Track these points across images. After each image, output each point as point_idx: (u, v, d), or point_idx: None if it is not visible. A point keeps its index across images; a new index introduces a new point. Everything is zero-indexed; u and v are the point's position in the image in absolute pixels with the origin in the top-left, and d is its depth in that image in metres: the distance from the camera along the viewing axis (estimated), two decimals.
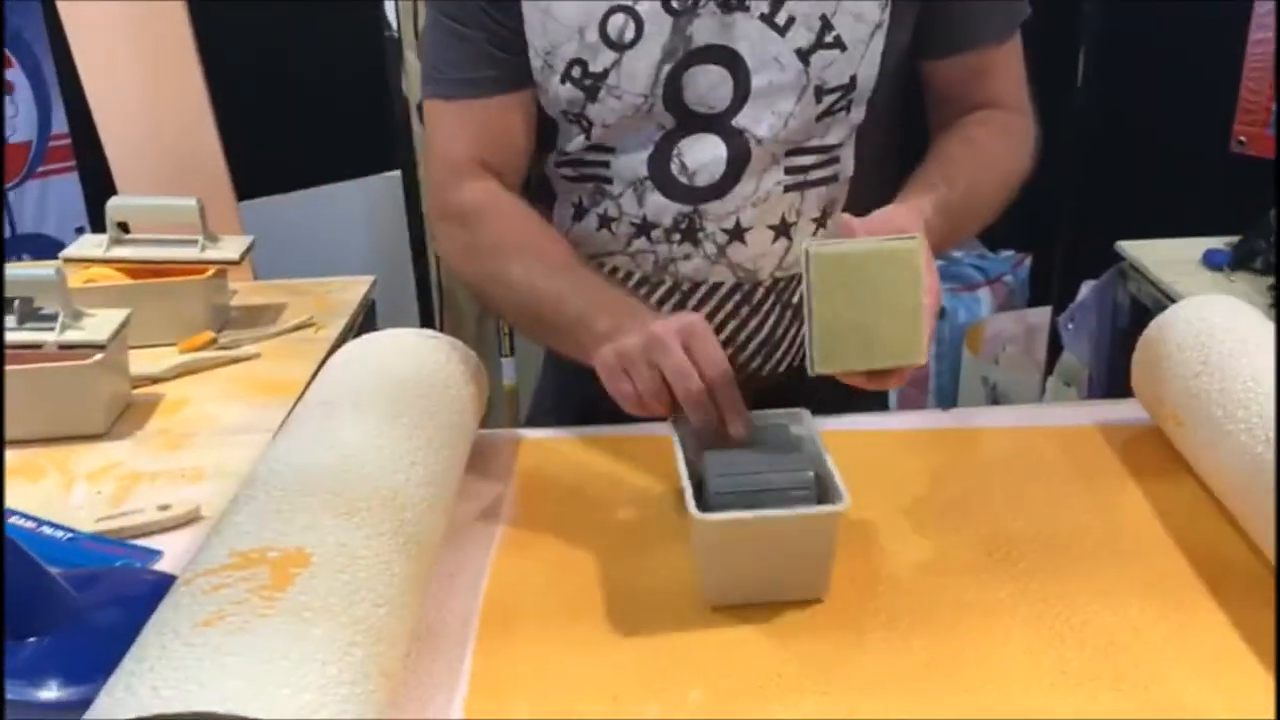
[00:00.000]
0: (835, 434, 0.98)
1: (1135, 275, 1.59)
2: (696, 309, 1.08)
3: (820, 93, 1.00)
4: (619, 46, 0.99)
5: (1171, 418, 0.94)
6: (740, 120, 1.01)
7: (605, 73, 1.00)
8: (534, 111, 1.06)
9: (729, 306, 1.08)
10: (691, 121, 1.02)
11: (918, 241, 0.81)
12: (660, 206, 1.04)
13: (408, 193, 2.30)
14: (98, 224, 2.36)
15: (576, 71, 1.01)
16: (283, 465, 0.81)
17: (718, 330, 1.08)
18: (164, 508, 0.97)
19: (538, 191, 1.14)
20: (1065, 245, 2.28)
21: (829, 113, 1.02)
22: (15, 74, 2.25)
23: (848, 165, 1.06)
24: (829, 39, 0.98)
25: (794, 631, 0.76)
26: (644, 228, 1.06)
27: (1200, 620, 0.76)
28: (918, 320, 0.81)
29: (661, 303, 1.09)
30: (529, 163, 1.10)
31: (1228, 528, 0.86)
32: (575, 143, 1.05)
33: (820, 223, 1.07)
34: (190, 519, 0.96)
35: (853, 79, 1.00)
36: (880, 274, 0.81)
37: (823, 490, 0.81)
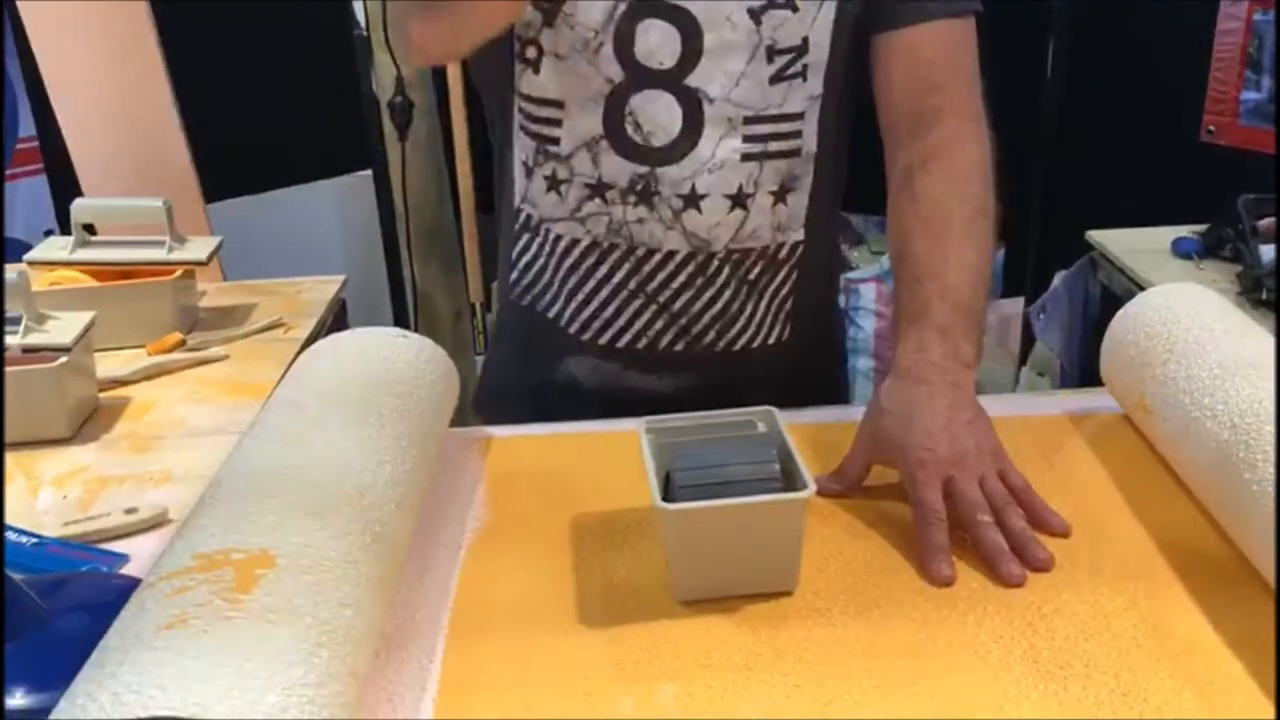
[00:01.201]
0: (802, 427, 0.99)
1: (1105, 265, 1.60)
2: (650, 277, 1.08)
3: (772, 53, 1.01)
4: None
5: (1140, 406, 0.94)
6: (693, 79, 1.01)
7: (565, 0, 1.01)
8: None
9: (683, 277, 1.08)
10: (642, 77, 1.02)
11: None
12: (617, 167, 1.05)
13: (379, 192, 2.29)
14: (66, 226, 2.34)
15: None
16: (248, 466, 0.80)
17: (671, 301, 1.08)
18: (131, 511, 0.96)
19: (500, 143, 1.14)
20: (1037, 236, 2.29)
21: (781, 76, 1.02)
22: None
23: (809, 142, 1.06)
24: (780, 0, 0.99)
25: (765, 623, 0.76)
26: (598, 188, 1.06)
27: (1170, 608, 0.76)
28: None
29: (615, 269, 1.08)
30: None
31: (1197, 515, 0.86)
32: (525, 81, 1.05)
33: (779, 197, 1.07)
34: (158, 522, 0.95)
35: (805, 40, 1.01)
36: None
37: (790, 482, 0.81)
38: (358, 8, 2.07)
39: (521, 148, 1.09)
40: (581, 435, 1.04)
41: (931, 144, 1.01)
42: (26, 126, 2.30)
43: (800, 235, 1.09)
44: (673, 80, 1.01)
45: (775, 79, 1.02)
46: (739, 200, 1.05)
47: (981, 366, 0.96)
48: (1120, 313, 1.00)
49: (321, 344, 1.02)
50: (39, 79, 1.91)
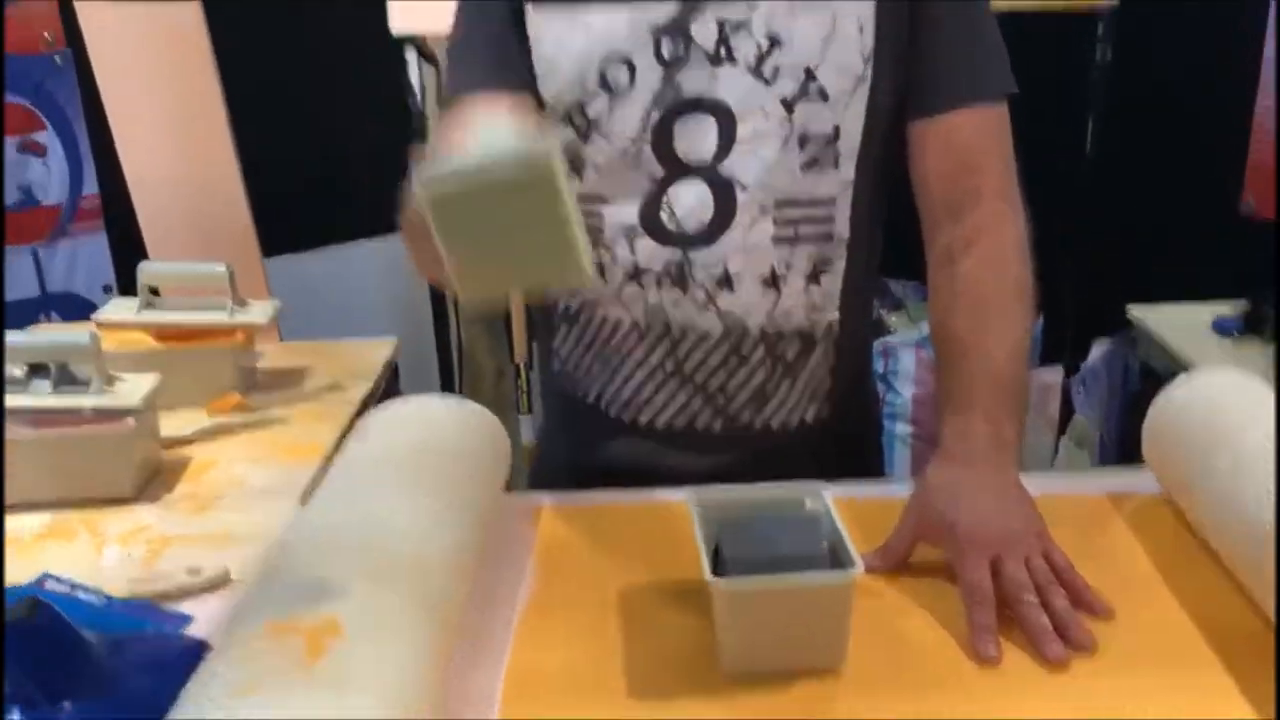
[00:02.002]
0: (848, 502, 1.00)
1: (1145, 340, 1.61)
2: (686, 358, 1.10)
3: (804, 141, 1.04)
4: (613, 92, 1.04)
5: (1182, 489, 0.95)
6: (726, 167, 1.04)
7: (599, 118, 1.05)
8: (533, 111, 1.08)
9: (718, 356, 1.10)
10: (679, 170, 1.05)
11: (547, 148, 0.72)
12: (651, 251, 1.08)
13: None
14: (125, 281, 2.42)
15: (575, 116, 1.06)
16: (313, 532, 0.84)
17: (706, 381, 1.11)
18: (194, 572, 0.99)
19: None
20: (1076, 305, 2.30)
21: (814, 163, 1.05)
22: (49, 137, 2.31)
23: (842, 227, 1.08)
24: (813, 90, 1.02)
25: (813, 698, 0.78)
26: (635, 274, 1.09)
27: (1212, 692, 0.77)
28: (565, 234, 0.74)
29: (651, 350, 1.11)
30: None
31: (1240, 599, 0.87)
32: (571, 188, 1.08)
33: (812, 279, 1.09)
34: (220, 583, 0.98)
35: (836, 129, 1.04)
36: (512, 204, 0.72)
37: (837, 558, 0.83)
38: (413, 81, 2.14)
39: None
40: (629, 506, 1.07)
41: (969, 227, 1.04)
42: (90, 185, 2.38)
43: (835, 315, 1.11)
44: (708, 169, 1.05)
45: (807, 166, 1.05)
46: (772, 282, 1.07)
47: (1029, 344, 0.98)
48: (1162, 395, 1.01)
49: (379, 411, 1.05)
50: (104, 139, 1.99)
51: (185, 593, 0.97)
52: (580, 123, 1.06)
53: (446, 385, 2.50)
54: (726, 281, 1.07)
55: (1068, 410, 2.30)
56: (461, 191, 0.71)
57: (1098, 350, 1.99)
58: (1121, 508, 1.03)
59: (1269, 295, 1.49)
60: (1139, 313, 1.63)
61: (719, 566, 0.82)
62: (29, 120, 2.29)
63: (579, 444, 1.19)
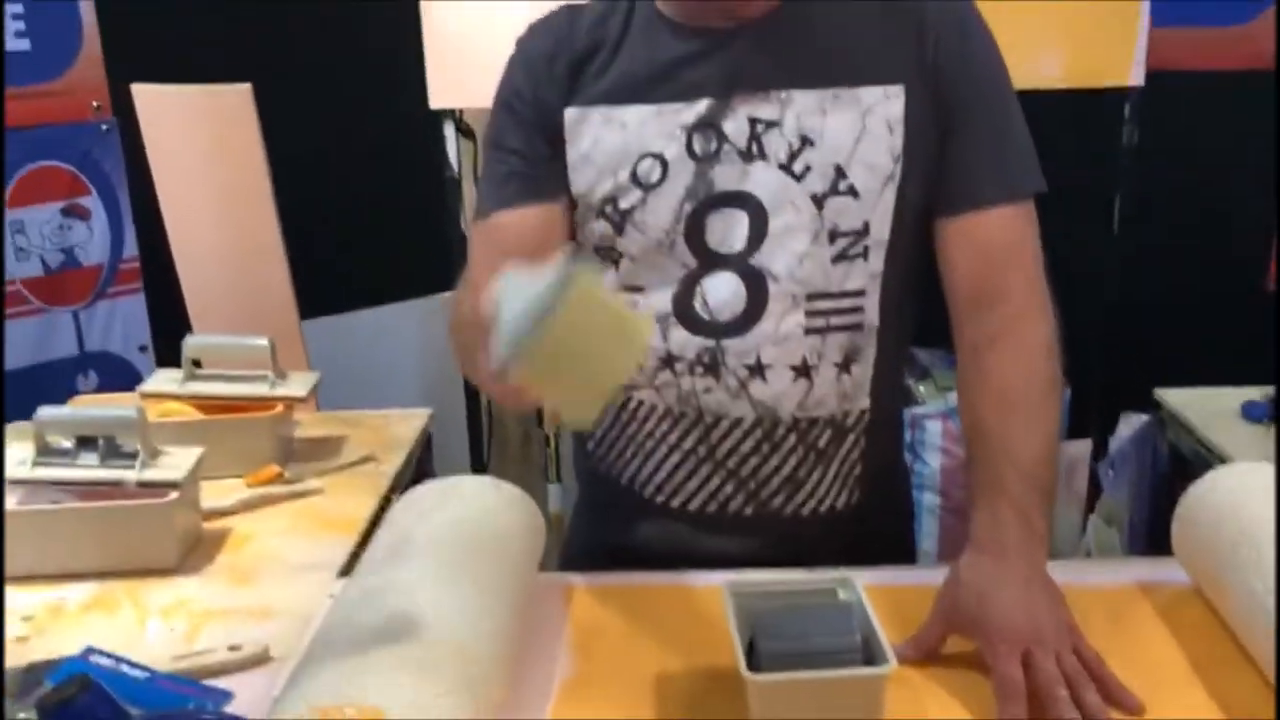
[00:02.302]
0: (880, 589, 1.01)
1: (1174, 424, 1.62)
2: (719, 444, 1.12)
3: (834, 235, 1.06)
4: (646, 186, 1.07)
5: (1212, 584, 0.96)
6: (758, 259, 1.07)
7: (632, 209, 1.08)
8: (563, 225, 1.12)
9: (750, 443, 1.12)
10: (712, 261, 1.08)
11: (567, 269, 0.76)
12: (683, 341, 1.10)
13: None
14: (160, 342, 2.47)
15: (608, 209, 1.09)
16: (356, 616, 0.85)
17: (738, 467, 1.12)
18: (234, 648, 1.01)
19: None
20: (1104, 382, 2.31)
21: (844, 256, 1.07)
22: (93, 201, 2.37)
23: (872, 316, 1.10)
24: (843, 187, 1.05)
25: None
26: (668, 361, 1.11)
27: None
28: (622, 321, 0.80)
29: (685, 435, 1.13)
30: None
31: (1269, 693, 0.87)
32: (608, 277, 1.12)
33: (843, 368, 1.10)
34: (260, 660, 1.00)
35: (865, 225, 1.06)
36: (574, 328, 0.77)
37: (870, 652, 0.85)
38: (450, 150, 2.19)
39: None
40: (661, 588, 1.08)
41: (997, 322, 1.05)
42: (131, 247, 2.44)
43: (866, 404, 1.13)
44: (740, 261, 1.07)
45: (837, 259, 1.07)
46: (803, 371, 1.09)
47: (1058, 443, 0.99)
48: (1191, 489, 1.02)
49: (420, 491, 1.08)
50: (145, 204, 2.04)
51: (226, 669, 0.99)
52: (614, 216, 1.09)
53: (475, 448, 2.53)
54: (759, 370, 1.09)
55: (1095, 486, 2.30)
56: (529, 343, 0.76)
57: (1126, 428, 1.99)
58: (1152, 598, 1.03)
59: None
60: (1167, 396, 1.64)
61: (753, 659, 0.83)
62: (75, 185, 2.35)
63: (611, 524, 1.21)
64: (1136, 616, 1.01)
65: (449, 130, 2.18)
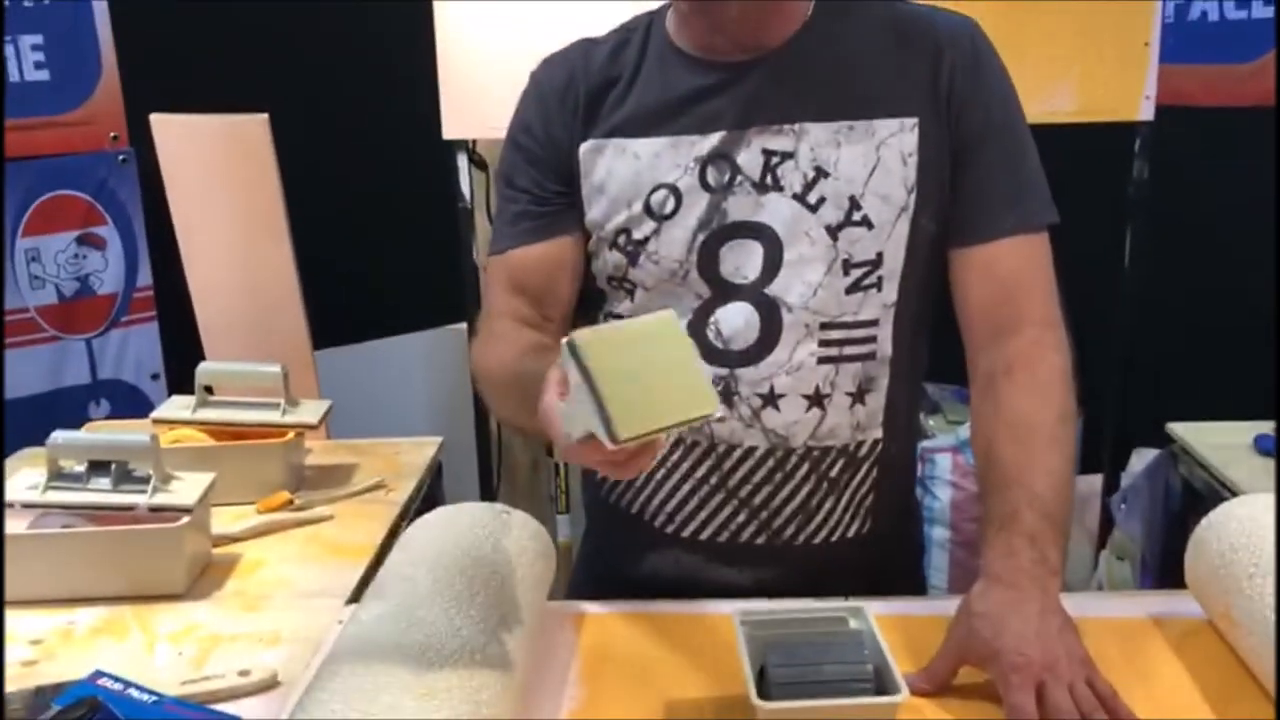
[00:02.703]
0: (891, 619, 1.01)
1: (1186, 458, 1.62)
2: (731, 473, 1.12)
3: (848, 266, 1.06)
4: (659, 217, 1.08)
5: (1225, 617, 0.96)
6: (772, 289, 1.07)
7: (646, 240, 1.09)
8: (575, 259, 1.14)
9: (762, 472, 1.12)
10: (726, 291, 1.08)
11: (670, 313, 0.84)
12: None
13: (471, 346, 2.39)
14: (173, 370, 2.48)
15: (622, 239, 1.10)
16: (366, 642, 0.85)
17: (750, 496, 1.12)
18: (244, 673, 1.01)
19: None
20: (1116, 416, 2.31)
21: (858, 287, 1.07)
22: (108, 231, 2.38)
23: (885, 345, 1.10)
24: (857, 217, 1.06)
25: None
26: None
27: None
28: (697, 376, 0.82)
29: (697, 464, 1.13)
30: (570, 310, 1.16)
31: None
32: (623, 306, 1.13)
33: (857, 398, 1.10)
34: (268, 686, 1.00)
35: (879, 255, 1.07)
36: (647, 346, 0.81)
37: (881, 681, 0.84)
38: (463, 182, 2.20)
39: None
40: (671, 616, 1.08)
41: (1012, 353, 1.06)
42: (145, 276, 2.45)
43: (879, 433, 1.13)
44: (754, 290, 1.08)
45: (851, 289, 1.07)
46: (816, 400, 1.09)
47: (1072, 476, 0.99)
48: (1204, 522, 1.02)
49: (430, 518, 1.08)
50: (160, 234, 2.06)
51: (235, 694, 0.98)
52: (628, 246, 1.09)
53: (485, 478, 2.53)
54: (771, 400, 1.09)
55: (1107, 520, 2.29)
56: (604, 332, 0.82)
57: (1138, 462, 1.98)
58: (1164, 631, 1.03)
59: None
60: (1179, 430, 1.64)
61: (764, 688, 0.83)
62: (91, 215, 2.37)
63: (621, 555, 1.21)
64: (1149, 649, 1.00)
65: (462, 161, 2.20)
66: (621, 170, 1.09)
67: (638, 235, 1.09)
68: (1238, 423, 1.63)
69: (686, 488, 1.14)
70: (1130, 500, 1.87)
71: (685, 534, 1.15)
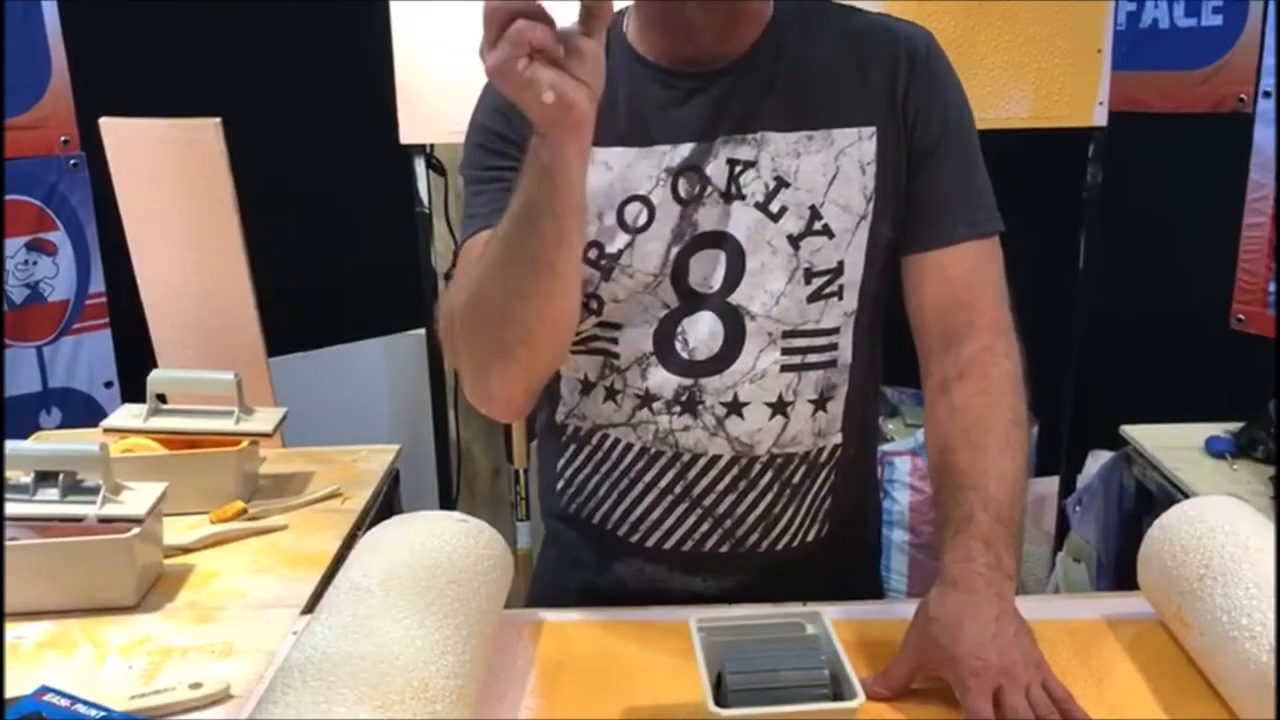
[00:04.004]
0: (848, 623, 1.02)
1: (1140, 460, 1.63)
2: (695, 482, 1.12)
3: (810, 275, 1.07)
4: (632, 230, 1.07)
5: (1177, 619, 0.97)
6: (735, 298, 1.07)
7: (619, 253, 1.08)
8: None
9: (727, 480, 1.11)
10: (693, 300, 1.08)
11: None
12: (662, 380, 1.10)
13: (431, 351, 2.37)
14: (127, 378, 2.44)
15: (593, 253, 1.08)
16: (319, 654, 0.84)
17: (714, 505, 1.12)
18: (195, 686, 0.99)
19: None
20: (1071, 419, 2.33)
21: (820, 295, 1.08)
22: (60, 237, 2.34)
23: (846, 353, 1.11)
24: (818, 227, 1.06)
25: None
26: (646, 399, 1.11)
27: None
28: None
29: (661, 474, 1.12)
30: None
31: None
32: (587, 322, 1.11)
33: (819, 405, 1.11)
34: (220, 698, 0.98)
35: (840, 264, 1.07)
36: None
37: (838, 687, 0.84)
38: (420, 187, 2.19)
39: (578, 367, 1.14)
40: (630, 624, 1.07)
41: (964, 358, 1.06)
42: (97, 283, 2.41)
43: (839, 439, 1.13)
44: (718, 299, 1.08)
45: (813, 298, 1.08)
46: (779, 408, 1.10)
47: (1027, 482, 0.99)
48: (1156, 524, 1.03)
49: (385, 527, 1.06)
50: (112, 240, 2.02)
51: (186, 708, 0.97)
52: (601, 260, 1.08)
53: (444, 485, 2.51)
54: (736, 408, 1.09)
55: (1063, 523, 2.31)
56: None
57: (1093, 464, 2.01)
58: (1118, 633, 1.04)
59: (1262, 417, 1.51)
60: (1133, 432, 1.65)
61: (721, 695, 0.82)
62: (41, 220, 2.33)
63: (582, 565, 1.20)
64: (1103, 651, 1.01)
65: (419, 166, 2.19)
66: (593, 180, 1.05)
67: (611, 249, 1.08)
68: (1190, 425, 1.65)
69: (650, 498, 1.13)
70: (1085, 502, 1.89)
71: (649, 543, 1.14)
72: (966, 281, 1.08)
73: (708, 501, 1.12)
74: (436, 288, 2.29)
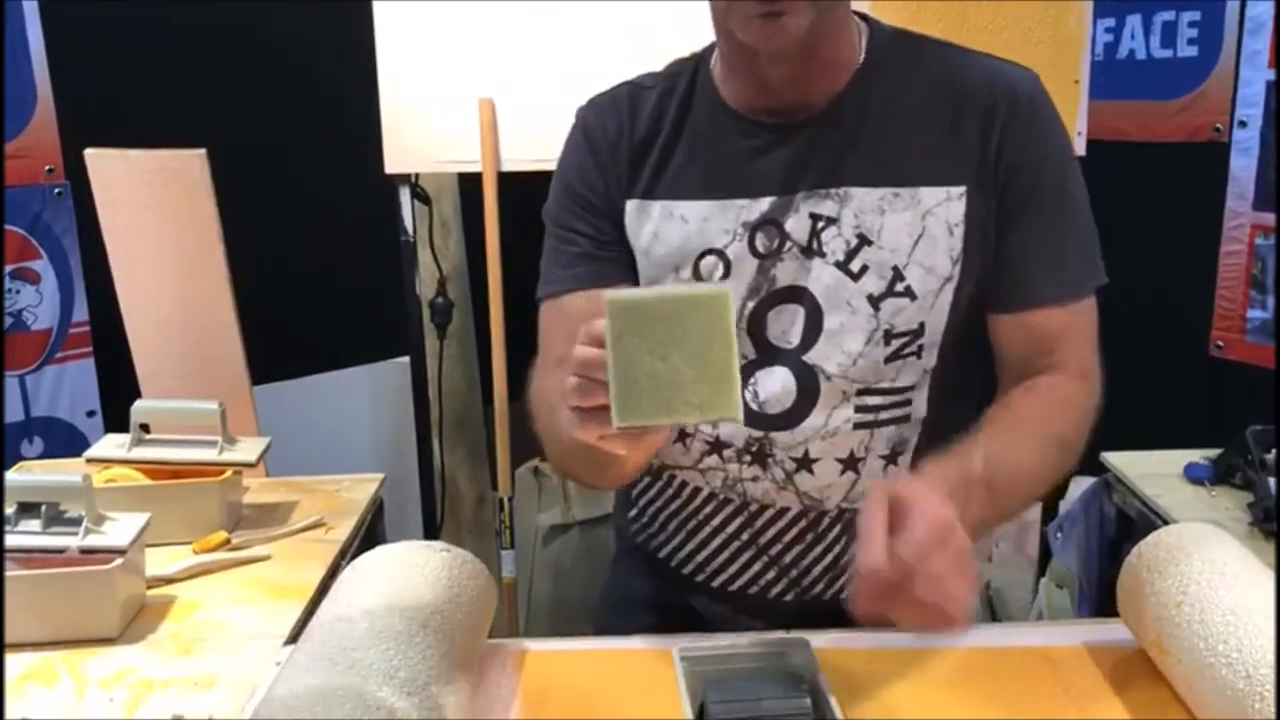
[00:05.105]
0: (831, 651, 1.01)
1: (1120, 487, 1.64)
2: (762, 530, 1.10)
3: (889, 336, 1.04)
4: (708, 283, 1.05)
5: (1156, 645, 0.97)
6: (811, 356, 1.05)
7: None
8: None
9: (795, 531, 1.10)
10: (770, 354, 1.06)
11: (726, 291, 0.79)
12: (732, 430, 1.08)
13: (415, 379, 2.37)
14: (110, 408, 2.43)
15: None
16: (301, 685, 0.84)
17: (781, 554, 1.10)
18: (176, 719, 0.99)
19: None
20: None
21: (898, 355, 1.05)
22: (43, 265, 2.34)
23: (920, 407, 1.09)
24: (900, 288, 1.03)
25: None
26: (716, 446, 1.09)
27: None
28: (728, 373, 0.77)
29: (729, 520, 1.11)
30: None
31: None
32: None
33: (890, 460, 1.09)
34: None
35: (921, 325, 1.05)
36: (685, 324, 0.76)
37: (820, 714, 0.85)
38: (405, 214, 2.19)
39: None
40: (615, 652, 1.07)
41: (1036, 381, 1.05)
42: (81, 311, 2.41)
43: None
44: (794, 356, 1.06)
45: (891, 358, 1.05)
46: (850, 464, 1.07)
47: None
48: (1134, 551, 1.03)
49: (368, 557, 1.06)
50: (96, 269, 2.03)
51: None
52: None
53: (428, 510, 2.51)
54: (806, 463, 1.07)
55: (1046, 550, 2.31)
56: (643, 299, 0.76)
57: (1075, 490, 2.01)
58: (1098, 660, 1.04)
59: (1240, 443, 1.52)
60: (1113, 459, 1.67)
61: None
62: (25, 249, 2.33)
63: (651, 594, 1.19)
64: (1083, 678, 1.01)
65: (404, 195, 2.19)
66: (668, 234, 1.05)
67: None
68: (1169, 451, 1.66)
69: (717, 541, 1.12)
70: (1066, 528, 1.90)
71: (715, 584, 1.14)
72: (1056, 338, 1.06)
73: (774, 550, 1.10)
74: (421, 316, 2.29)
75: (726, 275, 1.05)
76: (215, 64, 2.36)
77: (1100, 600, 1.83)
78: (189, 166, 1.62)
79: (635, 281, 1.09)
